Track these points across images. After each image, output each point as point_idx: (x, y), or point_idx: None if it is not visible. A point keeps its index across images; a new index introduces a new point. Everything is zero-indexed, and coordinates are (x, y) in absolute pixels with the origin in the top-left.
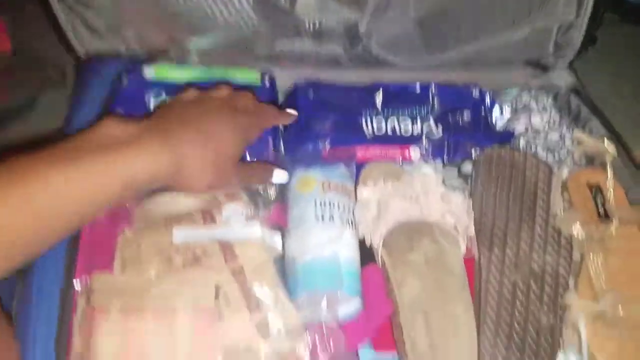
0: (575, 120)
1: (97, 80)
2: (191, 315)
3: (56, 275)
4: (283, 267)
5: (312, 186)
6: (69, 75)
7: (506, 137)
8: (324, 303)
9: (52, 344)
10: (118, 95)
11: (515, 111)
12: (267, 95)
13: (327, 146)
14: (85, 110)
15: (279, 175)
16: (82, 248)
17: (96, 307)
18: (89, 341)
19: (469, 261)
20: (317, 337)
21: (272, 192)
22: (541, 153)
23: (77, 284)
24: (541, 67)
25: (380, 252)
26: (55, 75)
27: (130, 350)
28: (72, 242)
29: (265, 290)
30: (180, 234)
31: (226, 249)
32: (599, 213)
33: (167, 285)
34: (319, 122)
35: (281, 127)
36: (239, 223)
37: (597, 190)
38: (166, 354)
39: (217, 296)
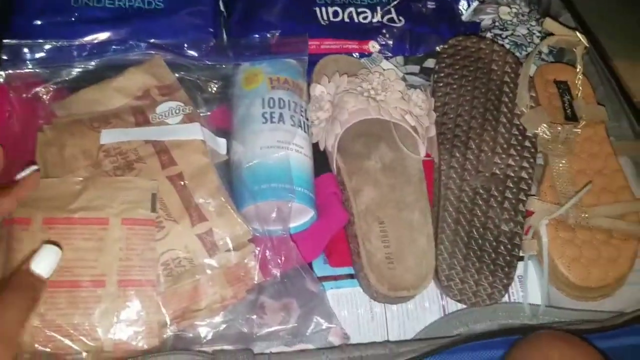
0: (545, 15)
1: None
2: (124, 225)
3: None
4: (227, 172)
5: (259, 82)
6: None
7: (472, 29)
8: (274, 215)
9: None
10: None
11: (482, 2)
12: None
13: (276, 36)
14: None
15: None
16: None
17: (15, 218)
18: (8, 254)
19: (428, 164)
20: (267, 251)
21: (214, 89)
22: (508, 48)
23: None
24: None
25: (335, 157)
26: None
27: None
28: None
29: (207, 199)
30: (109, 135)
31: (162, 153)
32: (565, 112)
33: (96, 192)
34: (267, 7)
35: (223, 11)
36: (175, 123)
37: (564, 88)
38: (96, 269)
39: (154, 205)
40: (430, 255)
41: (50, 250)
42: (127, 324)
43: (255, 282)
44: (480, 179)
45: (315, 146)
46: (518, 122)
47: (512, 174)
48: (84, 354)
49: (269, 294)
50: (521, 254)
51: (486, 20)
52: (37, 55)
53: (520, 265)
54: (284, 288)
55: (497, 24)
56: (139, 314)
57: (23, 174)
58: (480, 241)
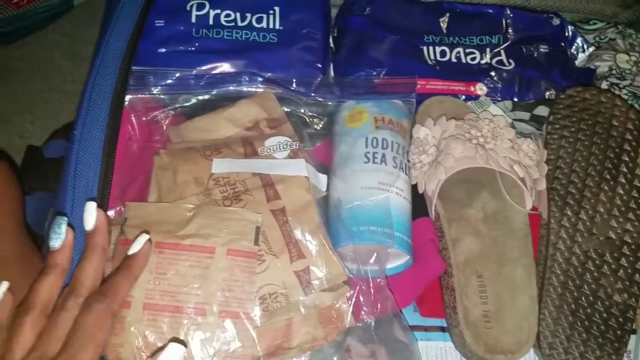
0: None
1: None
2: (229, 256)
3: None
4: (325, 207)
5: (363, 120)
6: None
7: (586, 77)
8: (372, 259)
9: None
10: (158, 1)
11: (598, 47)
12: (318, 7)
13: (383, 74)
14: (123, 18)
15: None
16: (117, 169)
17: (129, 239)
18: None
19: (534, 218)
20: (360, 295)
21: (319, 124)
22: (625, 100)
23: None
24: None
25: (434, 203)
26: None
27: (161, 285)
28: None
29: (307, 237)
30: (220, 165)
31: (268, 186)
32: None
33: (205, 220)
34: (375, 44)
35: (332, 45)
36: (282, 157)
37: None
38: (199, 293)
39: (257, 238)
40: (532, 318)
41: (176, 350)
42: (224, 355)
43: (347, 326)
44: (593, 241)
45: (412, 188)
46: (639, 185)
47: (630, 240)
48: None
49: (357, 337)
50: (634, 328)
51: (602, 67)
52: (159, 82)
53: (631, 339)
54: (373, 334)
55: (614, 72)
56: (235, 347)
57: (135, 248)
58: (588, 310)
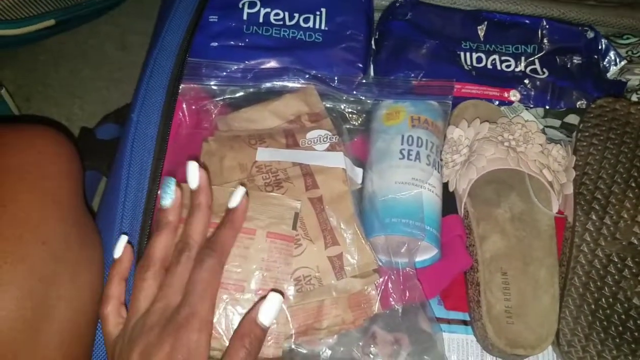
0: None
1: None
2: (268, 238)
3: (141, 180)
4: (360, 199)
5: (400, 119)
6: None
7: (617, 89)
8: (403, 249)
9: (134, 246)
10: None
11: (630, 61)
12: (362, 10)
13: (421, 76)
14: (180, 12)
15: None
16: (168, 152)
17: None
18: None
19: (560, 221)
20: (389, 283)
21: (357, 121)
22: None
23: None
24: None
25: (464, 201)
26: None
27: None
28: (159, 147)
29: (342, 225)
30: (264, 153)
31: (307, 176)
32: None
33: (248, 204)
34: (414, 48)
35: (373, 47)
36: (321, 149)
37: None
38: (239, 271)
39: (295, 223)
40: (553, 316)
41: (275, 299)
42: None
43: (375, 312)
44: (616, 246)
45: (443, 186)
46: None
47: None
48: (216, 351)
49: (382, 324)
50: None
51: (633, 80)
52: (210, 73)
53: None
54: (398, 322)
55: None
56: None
57: (235, 201)
58: (608, 311)
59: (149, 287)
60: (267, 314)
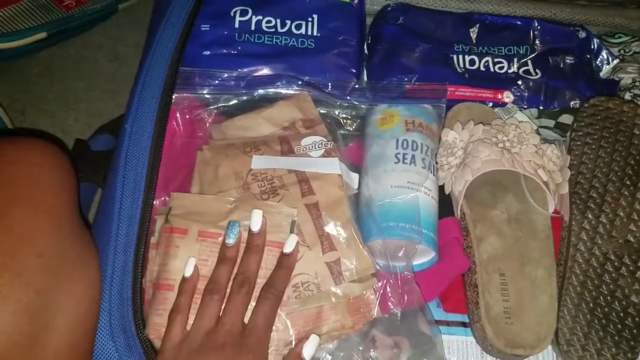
0: None
1: None
2: (266, 247)
3: (136, 191)
4: (357, 204)
5: (395, 123)
6: None
7: (610, 87)
8: (401, 253)
9: (130, 256)
10: (204, 7)
11: (622, 60)
12: (354, 15)
13: (414, 80)
14: (172, 22)
15: None
16: (162, 162)
17: (174, 227)
18: (164, 258)
19: (556, 220)
20: (388, 287)
21: (352, 126)
22: None
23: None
24: None
25: (460, 203)
26: None
27: (202, 271)
28: (153, 157)
29: (339, 230)
30: (259, 161)
31: (303, 182)
32: None
33: (244, 213)
34: (407, 52)
35: (366, 52)
36: (317, 156)
37: None
38: None
39: (292, 230)
40: (551, 316)
41: (316, 340)
42: None
43: (374, 316)
44: (612, 244)
45: (439, 189)
46: None
47: None
48: None
49: (382, 328)
50: None
51: (626, 79)
52: (203, 82)
53: None
54: (397, 325)
55: (637, 83)
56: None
57: (289, 248)
58: (606, 309)
59: (214, 309)
60: (309, 350)
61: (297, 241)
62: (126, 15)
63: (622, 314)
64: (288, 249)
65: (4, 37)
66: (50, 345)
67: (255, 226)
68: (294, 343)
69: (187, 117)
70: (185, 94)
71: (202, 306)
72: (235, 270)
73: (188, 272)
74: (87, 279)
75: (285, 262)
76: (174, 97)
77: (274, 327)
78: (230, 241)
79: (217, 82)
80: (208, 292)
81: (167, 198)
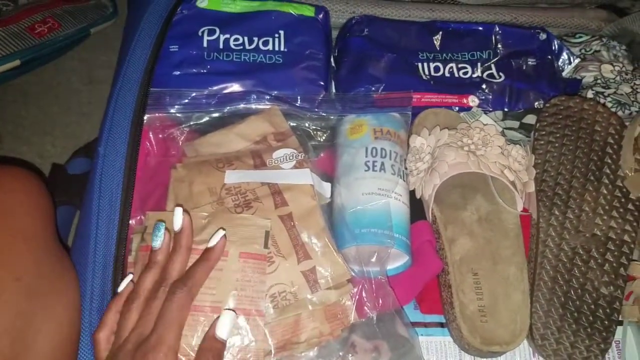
0: None
1: (150, 12)
2: (241, 259)
3: (111, 212)
4: (330, 213)
5: (363, 132)
6: (122, 7)
7: (572, 87)
8: (374, 258)
9: (109, 276)
10: (172, 29)
11: (584, 59)
12: (320, 29)
13: (381, 90)
14: (141, 44)
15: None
16: (137, 181)
17: (150, 246)
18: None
19: (525, 218)
20: (363, 292)
21: (322, 137)
22: (610, 107)
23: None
24: (616, 10)
25: (431, 207)
26: (109, 7)
27: None
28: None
29: (313, 239)
30: (232, 175)
31: (276, 194)
32: None
33: (218, 226)
34: (373, 62)
35: (333, 64)
36: (288, 168)
37: None
38: (214, 293)
39: (266, 241)
40: (525, 312)
41: (229, 315)
42: (238, 349)
43: (351, 321)
44: (580, 238)
45: (410, 194)
46: (621, 185)
47: (614, 237)
48: None
49: (360, 333)
50: (620, 319)
51: (588, 77)
52: (174, 102)
53: (618, 330)
54: (375, 330)
55: (599, 81)
56: (249, 342)
57: (213, 242)
58: (577, 302)
59: (131, 318)
60: (223, 329)
61: (223, 236)
62: (99, 38)
63: (593, 306)
64: (212, 242)
65: None
66: None
67: (177, 225)
68: (273, 353)
69: (160, 136)
70: (157, 114)
71: (121, 318)
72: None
73: (120, 288)
74: (66, 301)
75: (205, 256)
76: (145, 117)
77: (252, 338)
78: (156, 244)
79: (187, 100)
80: (126, 302)
81: (143, 217)
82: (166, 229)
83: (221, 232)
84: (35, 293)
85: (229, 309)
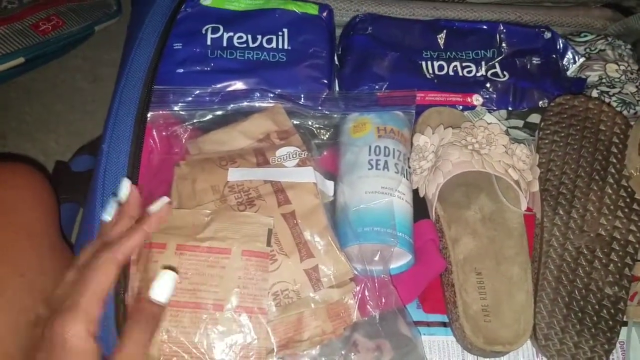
0: None
1: (154, 10)
2: (244, 257)
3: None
4: (334, 211)
5: (367, 130)
6: (126, 6)
7: (577, 86)
8: (377, 257)
9: None
10: (176, 27)
11: (588, 58)
12: (324, 27)
13: (385, 88)
14: (145, 42)
15: None
16: (140, 179)
17: (153, 243)
18: (144, 274)
19: (529, 218)
20: (366, 290)
21: (325, 135)
22: (615, 106)
23: None
24: (621, 9)
25: (434, 206)
26: (113, 5)
27: (183, 284)
28: (131, 175)
29: (315, 238)
30: (235, 173)
31: (279, 192)
32: None
33: (221, 224)
34: (377, 61)
35: (337, 62)
36: (292, 166)
37: None
38: (217, 290)
39: (269, 239)
40: (528, 311)
41: (167, 276)
42: (241, 347)
43: (354, 320)
44: (584, 238)
45: (414, 192)
46: (626, 184)
47: (619, 237)
48: None
49: (363, 332)
50: (625, 320)
51: (592, 76)
52: (178, 99)
53: (623, 331)
54: (378, 328)
55: (604, 80)
56: (251, 339)
57: (155, 207)
58: (581, 302)
59: (63, 287)
60: (158, 290)
61: (166, 203)
62: (103, 36)
63: (597, 307)
64: (153, 209)
65: None
66: None
67: (121, 195)
68: (275, 351)
69: (164, 134)
70: (160, 112)
71: (56, 289)
72: None
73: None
74: None
75: (141, 219)
76: (149, 115)
77: (254, 336)
78: (106, 217)
79: (191, 98)
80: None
81: None
82: (118, 202)
83: (165, 199)
84: (38, 289)
85: (168, 270)
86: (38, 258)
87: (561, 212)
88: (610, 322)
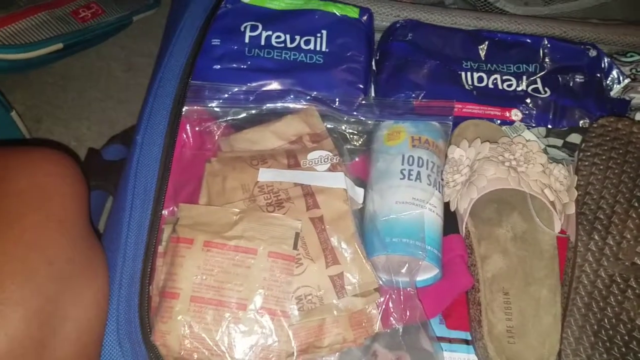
0: None
1: (194, 5)
2: (270, 258)
3: (145, 201)
4: (362, 219)
5: (401, 139)
6: None
7: (620, 107)
8: (404, 269)
9: (138, 264)
10: (215, 22)
11: (634, 79)
12: (363, 31)
13: (421, 97)
14: (183, 36)
15: None
16: (172, 173)
17: (180, 237)
18: (171, 268)
19: (562, 241)
20: (390, 302)
21: (358, 141)
22: None
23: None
24: None
25: (465, 221)
26: None
27: (208, 280)
28: (163, 168)
29: (342, 244)
30: (266, 174)
31: (308, 196)
32: None
33: (249, 224)
34: (415, 68)
35: (374, 68)
36: (323, 170)
37: None
38: (241, 290)
39: (296, 242)
40: (555, 336)
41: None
42: (261, 348)
43: (375, 330)
44: (619, 266)
45: (444, 206)
46: None
47: None
48: None
49: (384, 343)
50: None
51: (637, 98)
52: (213, 96)
53: None
54: (400, 341)
55: None
56: (272, 342)
57: None
58: (611, 332)
59: None
60: None
61: None
62: (140, 26)
63: (626, 337)
64: None
65: (22, 47)
66: (59, 351)
67: None
68: (295, 355)
69: (197, 129)
70: (195, 107)
71: None
72: None
73: None
74: (96, 286)
75: None
76: (184, 109)
77: (276, 338)
78: None
79: (226, 95)
80: None
81: (175, 208)
82: None
83: None
84: (65, 278)
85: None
86: (67, 246)
87: (597, 237)
88: (639, 355)
